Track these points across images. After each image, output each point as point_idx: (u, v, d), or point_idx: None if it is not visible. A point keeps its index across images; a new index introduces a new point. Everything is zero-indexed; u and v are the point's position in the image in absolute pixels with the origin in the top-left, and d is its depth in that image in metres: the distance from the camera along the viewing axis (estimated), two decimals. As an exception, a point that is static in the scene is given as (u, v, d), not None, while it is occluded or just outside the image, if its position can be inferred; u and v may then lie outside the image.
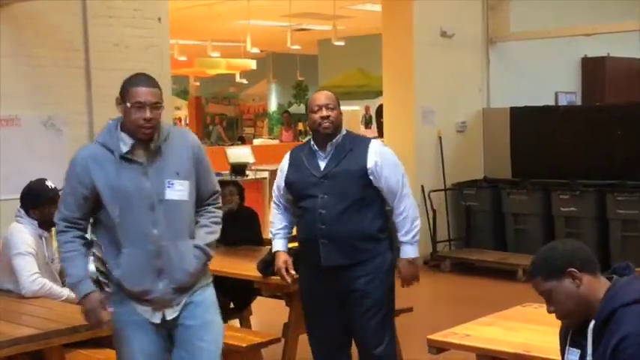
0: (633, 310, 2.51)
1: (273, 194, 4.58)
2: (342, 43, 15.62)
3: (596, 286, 2.64)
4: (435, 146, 9.74)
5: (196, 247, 3.61)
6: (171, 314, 3.56)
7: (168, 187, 3.51)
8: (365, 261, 4.28)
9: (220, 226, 3.76)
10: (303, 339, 5.19)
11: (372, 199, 4.32)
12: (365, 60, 16.12)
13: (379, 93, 11.53)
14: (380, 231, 4.34)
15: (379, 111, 11.77)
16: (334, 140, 4.33)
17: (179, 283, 3.54)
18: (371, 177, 4.29)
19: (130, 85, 3.47)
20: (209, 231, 3.69)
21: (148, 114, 3.41)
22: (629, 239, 8.37)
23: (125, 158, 3.46)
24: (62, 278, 5.09)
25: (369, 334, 4.33)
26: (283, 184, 4.48)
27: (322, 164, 4.32)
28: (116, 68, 6.81)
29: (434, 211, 9.49)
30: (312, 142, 4.39)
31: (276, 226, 4.57)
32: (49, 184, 5.03)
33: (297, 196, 4.39)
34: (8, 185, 5.97)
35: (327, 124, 4.29)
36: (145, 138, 3.46)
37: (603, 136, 9.24)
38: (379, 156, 4.33)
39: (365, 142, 4.42)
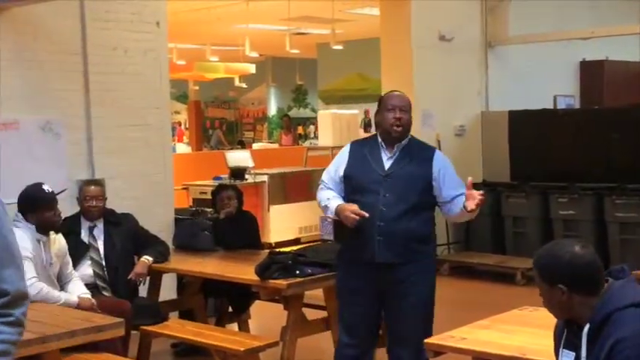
0: (628, 313, 2.52)
1: (324, 179, 4.52)
2: (340, 47, 15.63)
3: (587, 303, 2.63)
4: (433, 150, 9.71)
5: None
6: None
7: None
8: (415, 261, 4.36)
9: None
10: (301, 342, 5.20)
11: (427, 205, 4.43)
12: (364, 64, 16.13)
13: (378, 96, 11.54)
14: (430, 234, 4.48)
15: (378, 114, 11.80)
16: (402, 142, 4.42)
17: None
18: (434, 183, 4.38)
19: None
20: None
21: None
22: (627, 242, 8.37)
23: None
24: (60, 282, 5.11)
25: (409, 330, 4.36)
26: (342, 174, 4.47)
27: (387, 164, 4.40)
28: (114, 72, 6.83)
29: (433, 215, 9.48)
30: (379, 140, 4.45)
31: (329, 193, 4.45)
32: (46, 188, 5.04)
33: (356, 189, 4.40)
34: (7, 189, 5.93)
35: (399, 126, 4.37)
36: None
37: (602, 140, 9.25)
38: (443, 166, 4.44)
39: (431, 149, 4.54)
